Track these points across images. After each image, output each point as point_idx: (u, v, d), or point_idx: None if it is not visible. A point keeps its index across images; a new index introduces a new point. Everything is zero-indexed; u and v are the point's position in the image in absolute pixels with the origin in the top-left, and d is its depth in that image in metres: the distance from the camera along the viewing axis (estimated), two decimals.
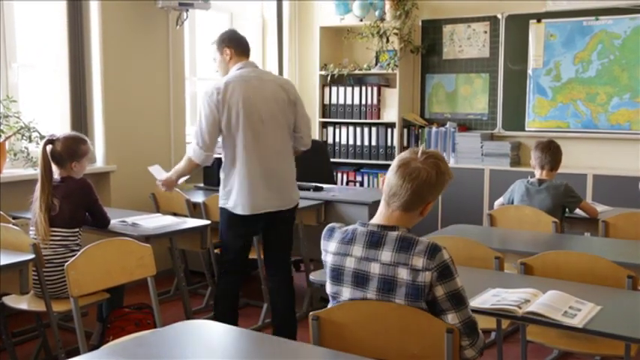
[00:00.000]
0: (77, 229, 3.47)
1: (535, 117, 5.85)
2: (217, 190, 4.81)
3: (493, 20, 5.98)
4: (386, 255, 1.99)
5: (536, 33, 5.79)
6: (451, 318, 1.97)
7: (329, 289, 2.15)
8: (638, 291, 2.58)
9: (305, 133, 3.65)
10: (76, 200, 3.45)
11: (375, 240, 2.03)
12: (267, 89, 3.49)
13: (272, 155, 3.49)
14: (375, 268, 2.01)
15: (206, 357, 1.89)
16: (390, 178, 2.07)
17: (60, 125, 4.73)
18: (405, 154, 2.09)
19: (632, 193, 5.18)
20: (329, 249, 2.13)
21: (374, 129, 6.33)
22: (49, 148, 3.43)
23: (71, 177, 3.50)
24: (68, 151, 3.47)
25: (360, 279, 2.04)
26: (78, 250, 3.38)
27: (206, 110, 3.41)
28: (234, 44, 3.55)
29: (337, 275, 2.09)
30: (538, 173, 4.06)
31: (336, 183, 6.15)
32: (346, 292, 2.08)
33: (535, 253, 2.86)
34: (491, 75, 6.03)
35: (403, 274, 1.96)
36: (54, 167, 3.46)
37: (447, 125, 6.12)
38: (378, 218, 2.10)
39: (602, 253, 2.85)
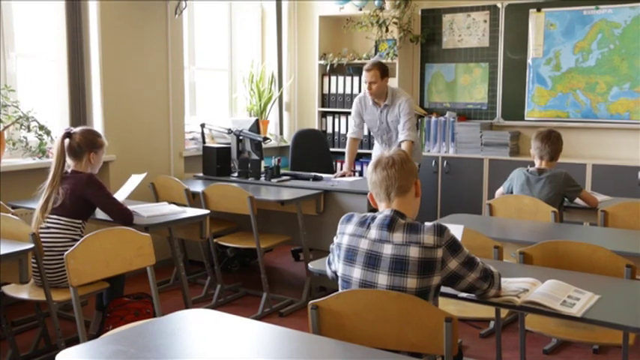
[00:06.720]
0: (79, 221, 3.42)
1: (535, 106, 5.85)
2: (217, 180, 4.84)
3: (493, 9, 5.96)
4: (397, 236, 2.15)
5: (536, 22, 5.77)
6: (471, 278, 2.18)
7: (341, 270, 2.26)
8: (636, 280, 2.58)
9: None
10: (79, 193, 3.39)
11: (388, 223, 2.18)
12: None
13: None
14: (387, 249, 2.15)
15: (205, 346, 1.90)
16: (374, 179, 2.28)
17: (59, 115, 4.72)
18: (372, 160, 2.35)
19: (631, 182, 5.19)
20: (346, 231, 2.27)
21: None
22: (66, 141, 3.42)
23: (80, 171, 3.46)
24: (86, 142, 3.47)
25: (372, 260, 2.17)
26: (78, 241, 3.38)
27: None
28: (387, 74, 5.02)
29: (351, 256, 2.22)
30: (538, 163, 4.04)
31: (335, 173, 6.14)
32: (357, 273, 2.19)
33: (534, 242, 2.86)
34: (491, 64, 6.01)
35: (415, 252, 2.11)
36: (70, 161, 3.46)
37: (447, 115, 6.12)
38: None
39: (601, 242, 2.85)
